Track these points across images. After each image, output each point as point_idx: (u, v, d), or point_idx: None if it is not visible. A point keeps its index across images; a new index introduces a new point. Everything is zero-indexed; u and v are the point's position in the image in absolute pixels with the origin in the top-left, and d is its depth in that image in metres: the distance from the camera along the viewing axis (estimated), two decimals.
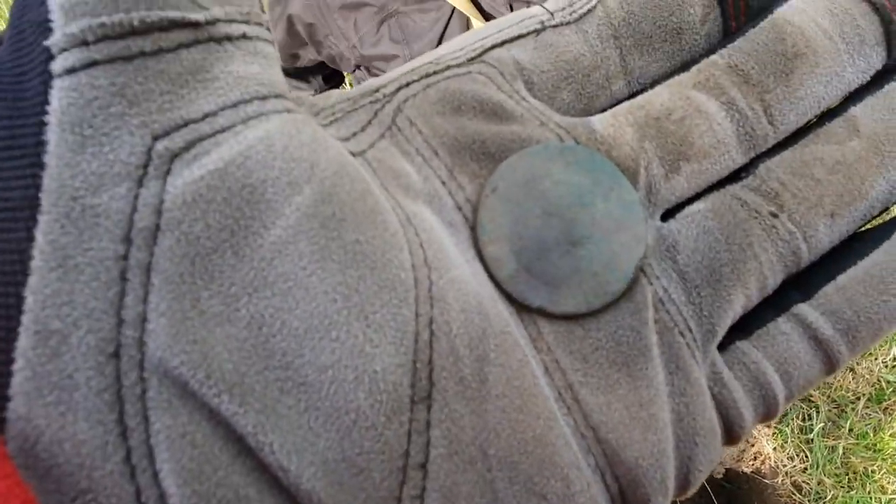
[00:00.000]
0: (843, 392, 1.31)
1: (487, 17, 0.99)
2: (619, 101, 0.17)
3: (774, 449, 1.23)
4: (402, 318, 0.13)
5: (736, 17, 0.18)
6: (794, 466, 1.23)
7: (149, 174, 0.11)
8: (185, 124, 0.12)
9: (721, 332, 0.16)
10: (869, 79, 0.18)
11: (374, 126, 0.15)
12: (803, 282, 0.17)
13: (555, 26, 0.17)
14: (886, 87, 0.17)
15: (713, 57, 0.17)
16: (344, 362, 0.12)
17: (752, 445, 1.22)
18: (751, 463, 1.23)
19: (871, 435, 1.26)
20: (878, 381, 1.31)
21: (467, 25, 0.99)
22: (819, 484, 1.22)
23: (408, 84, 0.16)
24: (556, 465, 0.13)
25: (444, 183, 0.15)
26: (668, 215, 0.17)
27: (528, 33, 0.17)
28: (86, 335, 0.11)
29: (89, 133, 0.11)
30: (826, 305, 0.16)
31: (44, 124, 0.11)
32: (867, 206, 0.17)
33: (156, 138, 0.11)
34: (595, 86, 0.17)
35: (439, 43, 1.00)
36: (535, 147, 0.15)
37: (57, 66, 0.11)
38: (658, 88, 0.17)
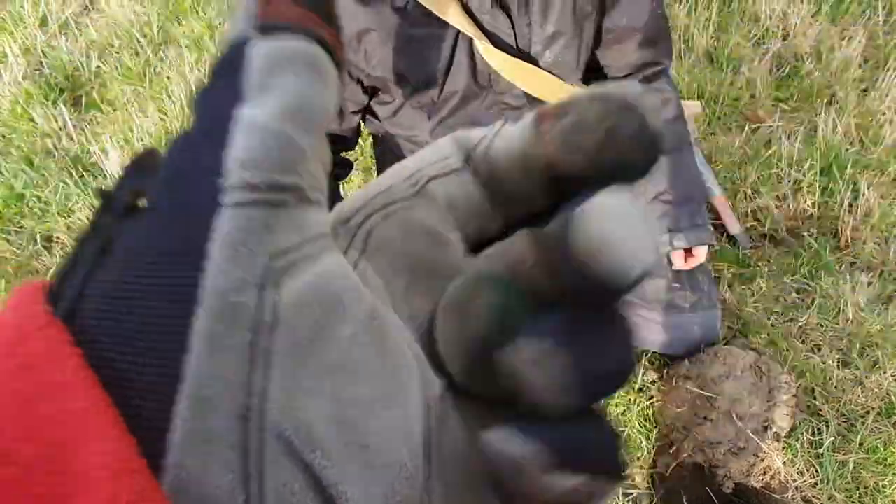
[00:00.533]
0: (852, 406, 1.30)
1: (490, 36, 1.00)
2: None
3: (784, 464, 1.22)
4: (419, 395, 0.17)
5: None
6: (805, 482, 1.23)
7: (268, 284, 0.15)
8: (288, 251, 0.16)
9: None
10: None
11: (352, 250, 0.20)
12: None
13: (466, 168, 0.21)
14: None
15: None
16: (395, 427, 0.16)
17: (762, 460, 1.22)
18: (760, 478, 1.23)
19: (882, 449, 1.25)
20: (888, 394, 1.31)
21: (471, 45, 1.00)
22: (830, 499, 1.21)
23: (370, 215, 0.21)
24: None
25: (402, 297, 0.20)
26: None
27: (451, 172, 0.21)
28: (226, 402, 0.14)
29: (241, 251, 0.15)
30: None
31: (209, 240, 0.15)
32: None
33: (272, 258, 0.16)
34: (488, 222, 0.21)
35: (448, 66, 1.01)
36: (469, 274, 0.19)
37: (229, 199, 0.16)
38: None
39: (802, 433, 1.27)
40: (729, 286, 1.50)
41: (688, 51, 1.97)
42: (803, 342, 1.42)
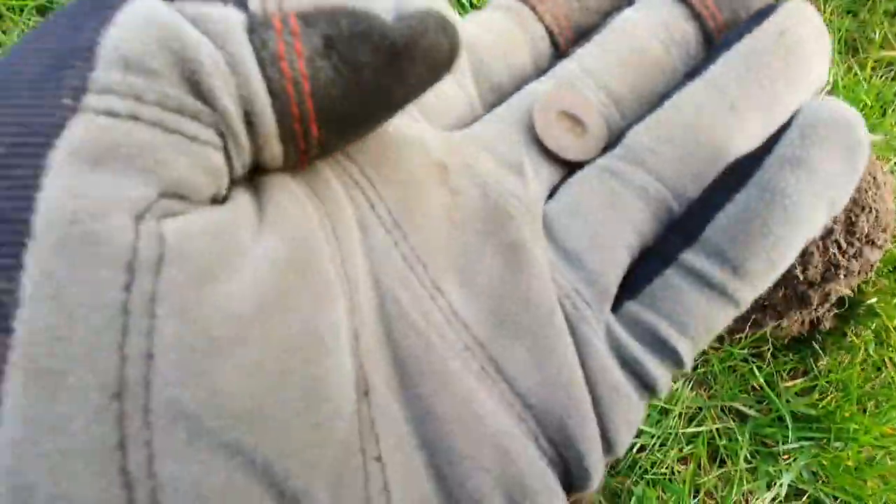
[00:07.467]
0: None
1: None
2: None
3: None
4: (347, 326, 0.14)
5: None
6: None
7: (147, 215, 0.11)
8: (186, 195, 0.12)
9: (612, 290, 0.17)
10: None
11: None
12: (684, 226, 0.17)
13: None
14: (737, 45, 0.18)
15: (568, 64, 0.20)
16: (329, 373, 0.13)
17: None
18: None
19: None
20: None
21: None
22: None
23: None
24: (488, 436, 0.14)
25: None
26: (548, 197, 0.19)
27: None
28: (86, 375, 0.10)
29: (107, 166, 0.11)
30: (710, 248, 0.16)
31: (50, 146, 0.11)
32: (728, 160, 0.18)
33: (161, 196, 0.12)
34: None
35: None
36: None
37: (94, 101, 0.11)
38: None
39: None
40: None
41: None
42: None
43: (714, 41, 0.20)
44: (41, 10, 0.62)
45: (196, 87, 0.12)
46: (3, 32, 0.61)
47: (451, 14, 0.14)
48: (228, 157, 0.13)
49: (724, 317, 0.17)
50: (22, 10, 0.61)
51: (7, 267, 0.10)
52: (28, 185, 0.10)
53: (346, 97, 0.13)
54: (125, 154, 0.11)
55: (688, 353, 0.17)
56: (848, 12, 0.61)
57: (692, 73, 0.19)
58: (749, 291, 0.16)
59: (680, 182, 0.18)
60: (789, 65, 0.18)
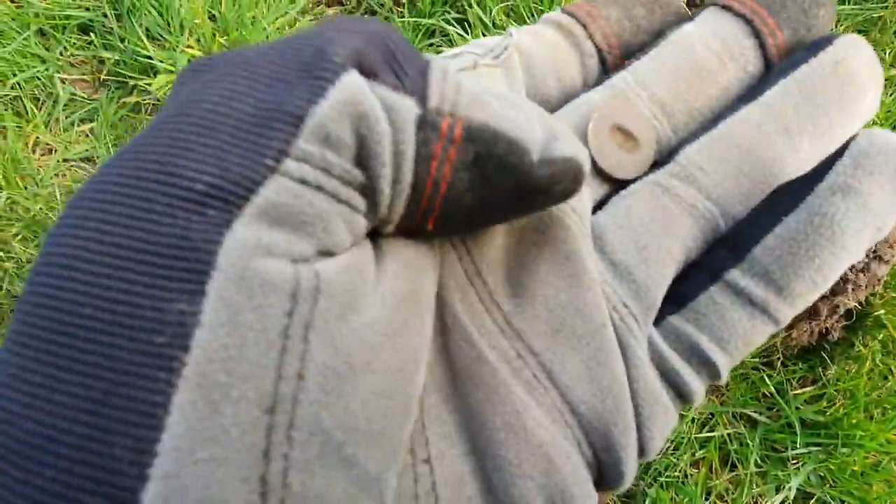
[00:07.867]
0: None
1: None
2: None
3: None
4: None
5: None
6: None
7: (301, 261, 0.12)
8: (335, 253, 0.13)
9: (658, 304, 0.17)
10: (754, 81, 0.20)
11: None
12: (733, 243, 0.18)
13: (486, 65, 0.19)
14: (794, 73, 0.19)
15: (624, 75, 0.19)
16: (419, 381, 0.14)
17: None
18: None
19: None
20: None
21: None
22: None
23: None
24: (534, 445, 0.15)
25: None
26: (596, 208, 0.19)
27: (466, 67, 0.19)
28: (247, 390, 0.11)
29: (286, 225, 0.12)
30: (757, 268, 0.17)
31: (247, 200, 0.12)
32: (778, 183, 0.18)
33: (318, 253, 0.13)
34: None
35: None
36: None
37: (292, 167, 0.12)
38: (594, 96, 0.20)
39: None
40: None
41: None
42: None
43: (772, 58, 0.19)
44: (83, 29, 0.65)
45: (366, 167, 0.13)
46: (47, 49, 0.63)
47: (586, 160, 0.15)
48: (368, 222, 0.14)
49: (763, 334, 0.17)
50: (64, 29, 0.64)
51: (194, 292, 0.11)
52: (220, 224, 0.11)
53: (471, 207, 0.14)
54: (302, 220, 0.12)
55: (725, 367, 0.17)
56: (859, 31, 0.63)
57: (748, 95, 0.19)
58: (789, 311, 0.17)
59: (729, 201, 0.18)
60: (843, 95, 0.18)
